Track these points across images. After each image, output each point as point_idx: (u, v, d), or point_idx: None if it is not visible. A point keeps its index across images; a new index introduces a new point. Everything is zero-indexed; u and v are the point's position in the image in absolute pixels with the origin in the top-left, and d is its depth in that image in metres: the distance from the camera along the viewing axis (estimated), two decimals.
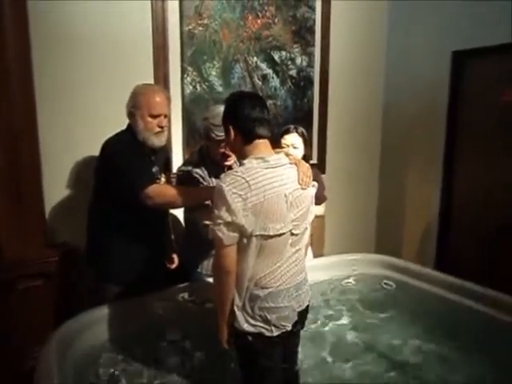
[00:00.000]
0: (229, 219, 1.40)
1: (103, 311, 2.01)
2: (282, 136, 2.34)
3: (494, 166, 2.98)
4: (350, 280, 2.65)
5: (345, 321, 2.44)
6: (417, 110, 3.45)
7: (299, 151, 2.31)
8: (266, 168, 1.49)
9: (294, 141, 2.31)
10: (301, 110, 3.29)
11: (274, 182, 1.48)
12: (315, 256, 2.69)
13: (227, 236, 1.42)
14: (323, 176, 2.89)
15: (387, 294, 2.60)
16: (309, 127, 3.27)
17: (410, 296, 2.52)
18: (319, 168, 3.22)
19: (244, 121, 1.51)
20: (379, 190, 3.86)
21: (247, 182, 1.43)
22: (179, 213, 2.49)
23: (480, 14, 2.91)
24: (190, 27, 2.75)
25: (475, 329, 2.19)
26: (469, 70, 3.13)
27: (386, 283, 2.61)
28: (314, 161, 3.30)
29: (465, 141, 3.21)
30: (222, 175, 1.50)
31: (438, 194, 3.37)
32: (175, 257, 2.39)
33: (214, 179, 2.09)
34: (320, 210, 2.42)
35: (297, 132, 2.34)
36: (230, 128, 1.55)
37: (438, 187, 3.36)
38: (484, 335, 2.14)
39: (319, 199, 2.19)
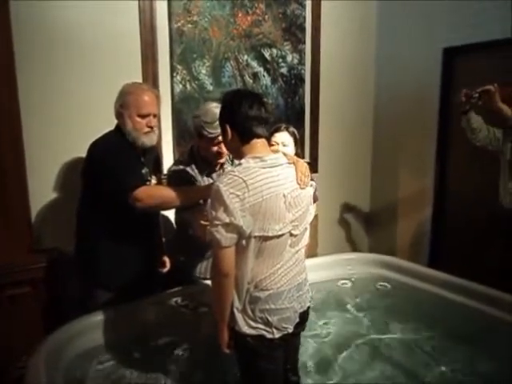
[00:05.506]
0: (227, 220, 1.36)
1: (94, 318, 1.95)
2: (272, 134, 2.32)
3: (487, 162, 2.97)
4: (346, 280, 2.63)
5: (342, 321, 2.41)
6: (408, 107, 3.45)
7: (289, 149, 2.29)
8: (264, 168, 1.45)
9: (283, 139, 2.29)
10: (292, 108, 3.26)
11: (271, 182, 1.44)
12: (309, 256, 2.65)
13: (225, 237, 1.38)
14: (315, 175, 2.86)
15: (383, 293, 2.58)
16: (300, 125, 3.25)
17: (405, 295, 2.50)
18: (311, 166, 3.18)
19: (241, 120, 1.46)
20: (372, 188, 3.85)
21: (245, 181, 1.39)
22: (170, 214, 2.43)
23: (470, 10, 2.92)
24: (179, 24, 2.69)
25: (470, 325, 2.18)
26: (460, 66, 3.14)
27: (381, 284, 2.60)
28: (307, 159, 3.27)
29: (457, 137, 3.20)
30: (216, 174, 1.45)
31: (431, 191, 3.37)
32: (167, 260, 2.33)
33: (205, 178, 2.06)
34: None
35: (287, 131, 2.32)
36: (227, 127, 1.50)
37: (431, 184, 3.36)
38: (480, 332, 2.13)
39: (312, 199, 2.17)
